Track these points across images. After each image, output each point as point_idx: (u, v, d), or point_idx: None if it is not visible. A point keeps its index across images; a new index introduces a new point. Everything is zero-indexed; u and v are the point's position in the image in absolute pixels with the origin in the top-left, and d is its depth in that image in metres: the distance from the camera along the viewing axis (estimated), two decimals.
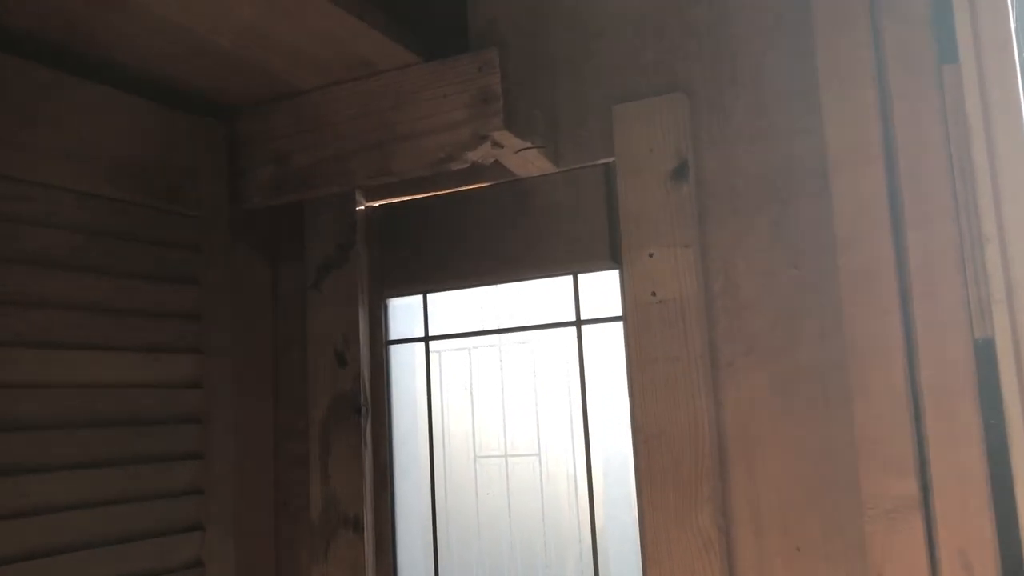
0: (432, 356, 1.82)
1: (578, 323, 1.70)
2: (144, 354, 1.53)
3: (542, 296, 1.74)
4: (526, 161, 1.61)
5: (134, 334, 1.52)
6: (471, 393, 1.75)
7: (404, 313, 1.87)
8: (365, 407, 1.75)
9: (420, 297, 1.85)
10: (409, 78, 1.59)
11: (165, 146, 1.62)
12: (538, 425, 1.67)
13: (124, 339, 1.50)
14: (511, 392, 1.70)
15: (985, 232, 1.20)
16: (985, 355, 1.21)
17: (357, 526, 1.70)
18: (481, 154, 1.53)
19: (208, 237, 1.67)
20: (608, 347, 1.67)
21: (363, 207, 1.83)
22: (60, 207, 1.44)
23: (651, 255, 1.53)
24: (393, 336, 1.86)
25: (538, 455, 1.65)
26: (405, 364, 1.85)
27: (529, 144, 1.56)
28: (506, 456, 1.68)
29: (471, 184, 1.76)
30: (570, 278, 1.71)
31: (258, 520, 1.80)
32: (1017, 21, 1.25)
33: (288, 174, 1.69)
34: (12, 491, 1.31)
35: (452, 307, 1.83)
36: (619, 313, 1.64)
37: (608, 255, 1.62)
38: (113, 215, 1.52)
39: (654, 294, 1.52)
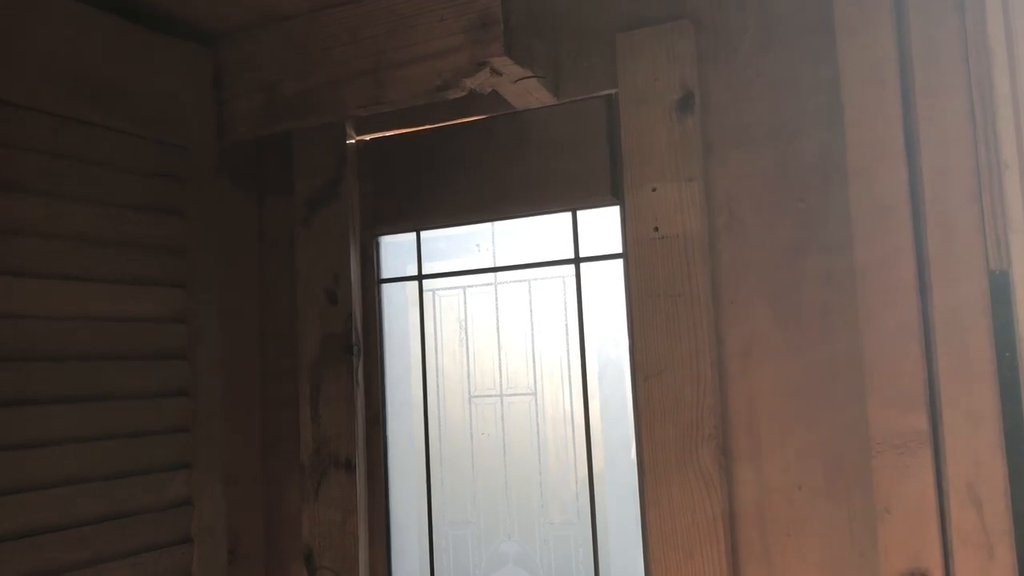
0: (426, 295, 1.78)
1: (576, 260, 1.65)
2: (126, 286, 1.47)
3: (540, 233, 1.69)
4: (525, 91, 1.55)
5: (115, 265, 1.46)
6: (466, 332, 1.71)
7: (397, 251, 1.81)
8: (357, 347, 1.71)
9: (413, 234, 1.80)
10: (404, 1, 1.52)
11: (148, 71, 1.54)
12: (535, 364, 1.63)
13: (105, 270, 1.44)
14: (507, 331, 1.66)
15: (1005, 159, 1.15)
16: (1000, 287, 1.18)
17: (349, 467, 1.67)
18: (479, 81, 1.47)
19: (192, 168, 1.60)
20: (607, 285, 1.62)
21: (354, 140, 1.77)
22: (36, 130, 1.37)
23: (654, 189, 1.48)
24: (385, 274, 1.81)
25: (534, 394, 1.62)
26: (398, 303, 1.80)
27: (529, 73, 1.50)
28: (501, 396, 1.65)
29: (467, 117, 1.70)
30: (569, 215, 1.66)
31: (245, 459, 1.77)
32: None
33: (276, 103, 1.62)
34: None
35: (446, 245, 1.77)
36: (618, 251, 1.60)
37: (609, 191, 1.58)
38: (93, 141, 1.45)
39: (656, 229, 1.47)
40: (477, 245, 1.75)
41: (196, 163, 1.61)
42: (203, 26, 1.63)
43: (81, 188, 1.42)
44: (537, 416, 1.66)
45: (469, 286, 1.74)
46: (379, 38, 1.54)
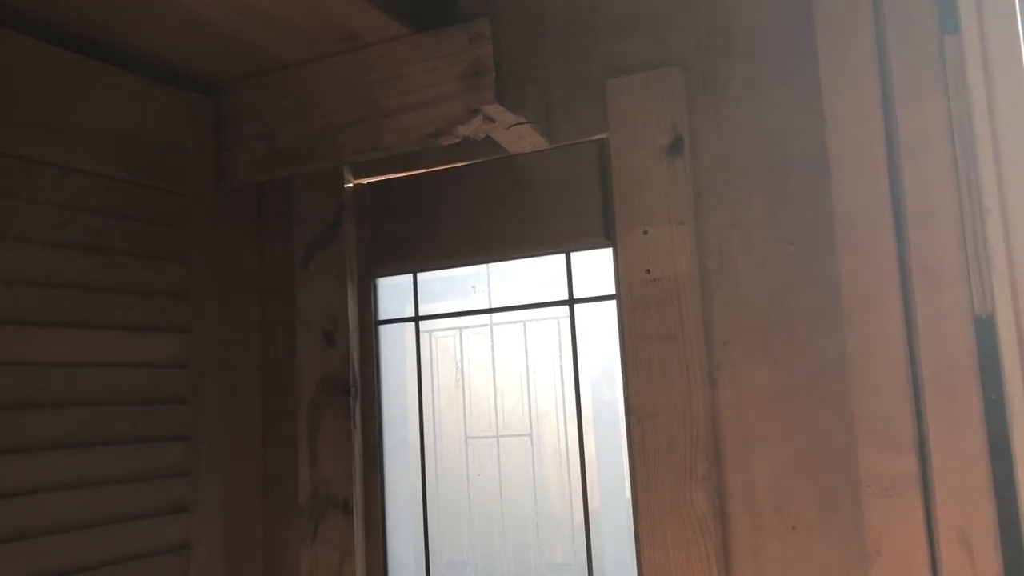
0: (422, 336, 1.80)
1: (571, 302, 1.67)
2: (128, 333, 1.49)
3: (534, 275, 1.71)
4: (518, 136, 1.58)
5: (118, 312, 1.48)
6: (462, 373, 1.72)
7: (393, 292, 1.84)
8: (354, 387, 1.72)
9: (410, 276, 1.82)
10: (398, 51, 1.55)
11: (149, 121, 1.58)
12: (530, 405, 1.65)
13: (108, 317, 1.47)
14: (503, 372, 1.68)
15: (987, 206, 1.17)
16: (985, 331, 1.19)
17: (347, 508, 1.68)
18: (472, 128, 1.50)
19: (194, 214, 1.63)
20: (601, 326, 1.64)
21: (351, 184, 1.80)
22: (41, 181, 1.40)
23: (645, 232, 1.50)
24: (382, 316, 1.83)
25: (530, 435, 1.63)
26: (395, 344, 1.82)
27: (522, 119, 1.53)
28: (498, 437, 1.66)
29: (461, 161, 1.73)
30: (563, 257, 1.68)
31: (245, 502, 1.78)
32: None
33: (275, 150, 1.65)
34: None
35: (442, 286, 1.80)
36: (612, 292, 1.62)
37: (602, 232, 1.60)
38: (96, 191, 1.48)
39: (648, 272, 1.49)
40: (473, 287, 1.77)
41: (196, 209, 1.64)
42: (203, 76, 1.67)
43: (82, 236, 1.45)
44: (533, 457, 1.67)
45: (465, 327, 1.76)
46: (374, 86, 1.57)
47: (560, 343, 1.68)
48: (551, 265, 1.69)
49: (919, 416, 1.23)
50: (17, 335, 1.34)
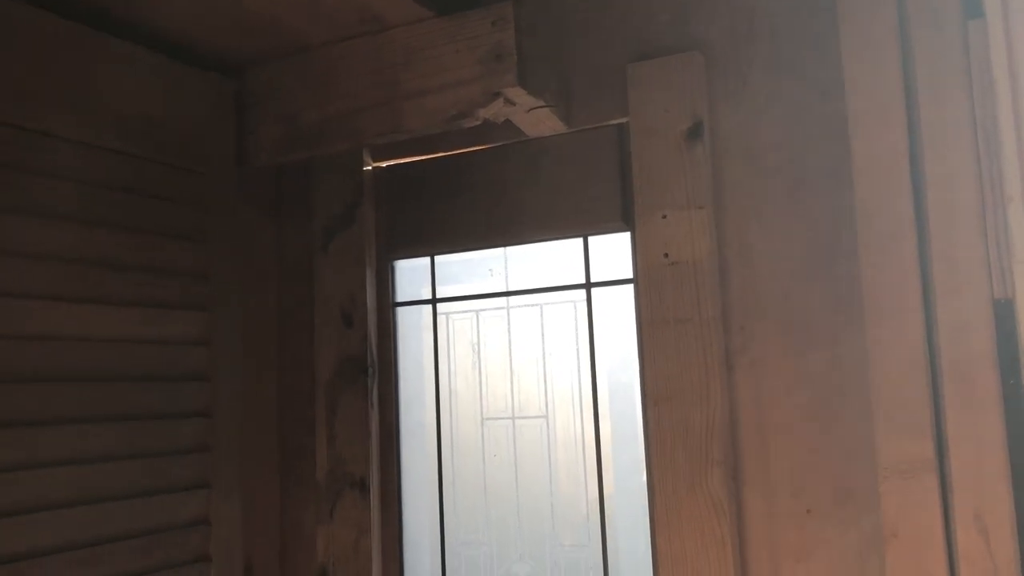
0: (439, 318, 1.81)
1: (588, 286, 1.68)
2: (150, 310, 1.51)
3: (552, 258, 1.72)
4: (538, 120, 1.59)
5: (140, 290, 1.50)
6: (478, 355, 1.73)
7: (411, 275, 1.85)
8: (372, 368, 1.74)
9: (428, 259, 1.83)
10: (420, 33, 1.56)
11: (173, 101, 1.59)
12: (546, 388, 1.66)
13: (130, 294, 1.48)
14: (519, 355, 1.69)
15: (1008, 192, 1.17)
16: (1004, 316, 1.19)
17: (363, 487, 1.70)
18: (493, 111, 1.50)
19: (215, 195, 1.64)
20: (618, 310, 1.65)
21: (371, 167, 1.81)
22: (66, 158, 1.41)
23: (664, 216, 1.51)
24: (400, 298, 1.85)
25: (546, 417, 1.64)
26: (412, 326, 1.83)
27: (542, 103, 1.53)
28: (514, 418, 1.67)
29: (481, 145, 1.73)
30: (580, 240, 1.69)
31: (263, 479, 1.80)
32: None
33: (296, 132, 1.67)
34: (15, 444, 1.30)
35: (460, 269, 1.81)
36: (629, 276, 1.63)
37: (620, 217, 1.60)
38: (119, 169, 1.49)
39: (666, 256, 1.50)
40: (490, 270, 1.78)
41: (217, 190, 1.65)
42: (226, 57, 1.68)
43: (107, 214, 1.46)
44: (549, 439, 1.68)
45: (482, 310, 1.77)
46: (396, 68, 1.58)
47: (577, 326, 1.68)
48: (568, 249, 1.70)
49: (937, 401, 1.24)
50: (40, 309, 1.35)
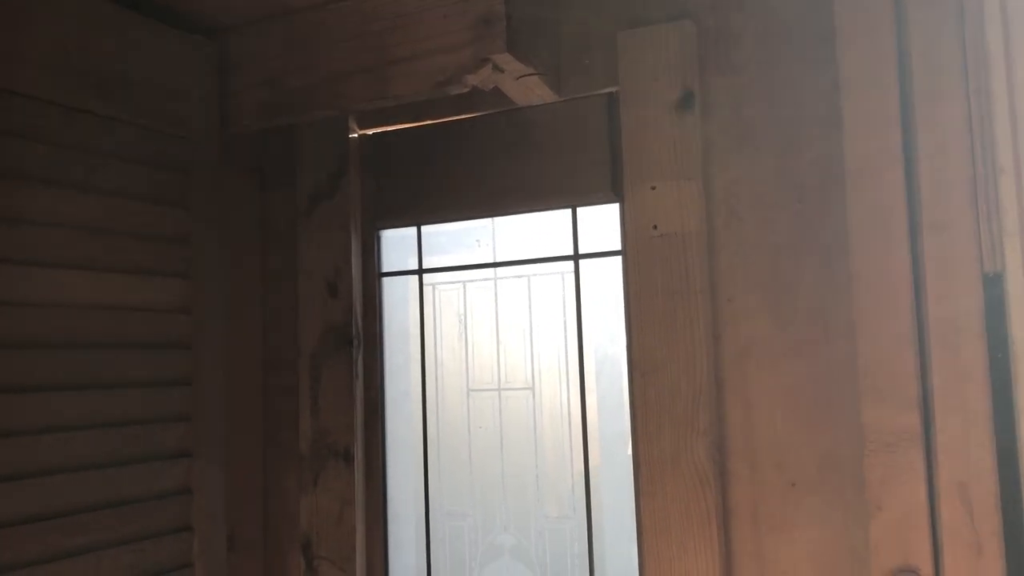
0: (426, 289, 1.79)
1: (576, 257, 1.67)
2: (131, 276, 1.48)
3: (539, 230, 1.70)
4: (527, 88, 1.56)
5: (121, 255, 1.47)
6: (465, 326, 1.72)
7: (397, 245, 1.83)
8: (357, 339, 1.72)
9: (414, 229, 1.81)
10: None
11: (153, 63, 1.55)
12: (533, 359, 1.65)
13: (111, 260, 1.45)
14: (506, 326, 1.68)
15: (1000, 164, 1.17)
16: (994, 290, 1.19)
17: (347, 457, 1.69)
18: (481, 78, 1.48)
19: (197, 159, 1.61)
20: (605, 282, 1.64)
21: (356, 134, 1.78)
22: (44, 120, 1.38)
23: (653, 188, 1.49)
24: (386, 268, 1.83)
25: (532, 389, 1.63)
26: (398, 297, 1.82)
27: (531, 70, 1.51)
28: (500, 390, 1.66)
29: (468, 113, 1.71)
30: (568, 212, 1.67)
31: (246, 449, 1.78)
32: None
33: (280, 97, 1.63)
34: None
35: (447, 239, 1.79)
36: (617, 248, 1.61)
37: (609, 187, 1.59)
38: (99, 132, 1.46)
39: (655, 227, 1.49)
40: (477, 240, 1.76)
41: (200, 155, 1.62)
42: (208, 19, 1.64)
43: (86, 178, 1.43)
44: (534, 411, 1.68)
45: (469, 281, 1.76)
46: (383, 33, 1.55)
47: (564, 298, 1.67)
48: (556, 220, 1.68)
49: (924, 373, 1.24)
50: (21, 275, 1.33)
